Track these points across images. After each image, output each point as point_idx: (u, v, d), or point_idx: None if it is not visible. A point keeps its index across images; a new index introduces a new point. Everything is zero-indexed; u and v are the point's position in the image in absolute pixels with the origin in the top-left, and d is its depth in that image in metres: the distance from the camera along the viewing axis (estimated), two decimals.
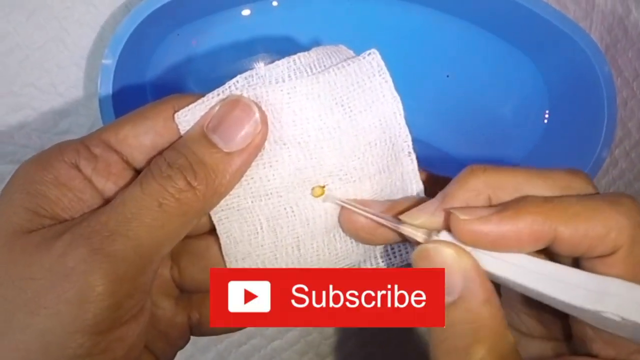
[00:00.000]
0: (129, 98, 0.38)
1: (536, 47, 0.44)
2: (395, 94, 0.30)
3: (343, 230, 0.31)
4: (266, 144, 0.29)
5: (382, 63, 0.30)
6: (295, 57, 0.30)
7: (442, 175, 0.33)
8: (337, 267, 0.32)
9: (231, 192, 0.29)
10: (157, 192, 0.26)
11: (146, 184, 0.26)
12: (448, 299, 0.26)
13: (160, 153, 0.28)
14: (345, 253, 0.32)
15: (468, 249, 0.27)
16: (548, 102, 0.46)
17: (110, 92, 0.36)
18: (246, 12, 0.41)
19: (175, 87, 0.41)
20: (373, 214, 0.29)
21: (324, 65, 0.30)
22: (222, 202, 0.30)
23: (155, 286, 0.31)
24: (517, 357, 0.26)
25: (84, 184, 0.27)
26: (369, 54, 0.30)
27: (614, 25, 0.47)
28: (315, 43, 0.42)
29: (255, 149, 0.28)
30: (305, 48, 0.42)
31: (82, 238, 0.25)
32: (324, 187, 0.30)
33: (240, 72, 0.41)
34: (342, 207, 0.31)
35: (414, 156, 0.31)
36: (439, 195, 0.29)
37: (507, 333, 0.26)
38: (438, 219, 0.28)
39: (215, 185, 0.27)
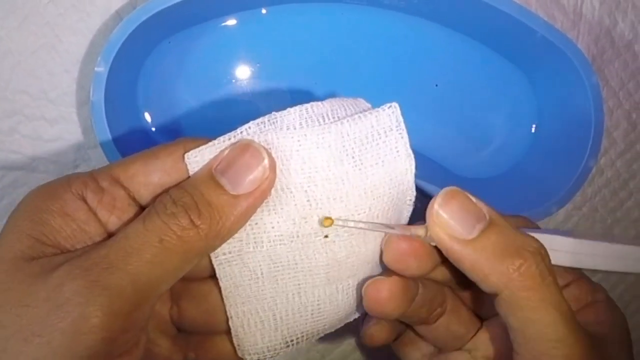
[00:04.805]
0: (121, 105, 0.39)
1: (524, 57, 0.44)
2: (410, 151, 0.30)
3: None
4: (273, 190, 0.29)
5: (400, 118, 0.30)
6: (307, 105, 0.30)
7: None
8: (337, 316, 0.32)
9: (234, 236, 0.29)
10: (159, 229, 0.26)
11: (149, 219, 0.26)
12: (482, 224, 0.29)
13: (166, 191, 0.28)
14: (346, 304, 0.32)
15: None
16: (536, 111, 0.46)
17: (103, 99, 0.36)
18: (236, 19, 0.41)
19: (167, 94, 0.41)
20: (383, 227, 0.31)
21: (337, 116, 0.30)
22: (224, 245, 0.30)
23: (154, 324, 0.31)
24: None
25: (88, 216, 0.28)
26: (389, 106, 0.30)
27: (600, 36, 0.48)
28: (305, 51, 0.43)
29: (262, 194, 0.28)
30: (294, 56, 0.42)
31: (81, 269, 0.25)
32: (331, 219, 0.30)
33: (232, 79, 0.42)
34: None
35: (410, 209, 0.32)
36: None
37: None
38: None
39: (219, 226, 0.27)
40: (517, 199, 0.42)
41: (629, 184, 0.52)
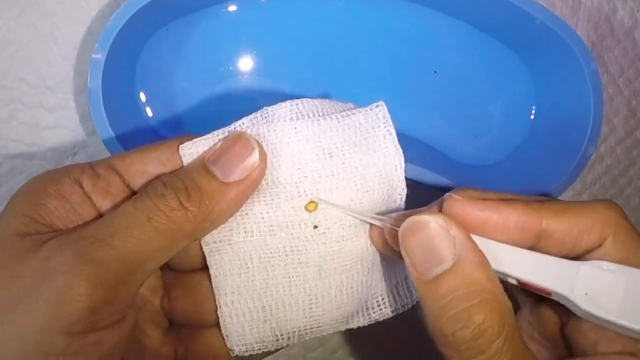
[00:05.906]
0: (118, 92, 0.38)
1: (524, 44, 0.44)
2: (398, 146, 0.31)
3: (373, 242, 0.31)
4: (263, 182, 0.30)
5: (388, 115, 0.31)
6: (298, 101, 0.31)
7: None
8: (331, 315, 0.32)
9: (224, 225, 0.30)
10: (148, 208, 0.27)
11: (139, 200, 0.27)
12: (440, 267, 0.26)
13: (159, 177, 0.29)
14: (339, 302, 0.32)
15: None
16: (535, 98, 0.46)
17: (100, 86, 0.36)
18: (235, 7, 0.41)
19: (165, 81, 0.41)
20: (367, 216, 0.30)
21: (327, 112, 0.31)
22: (215, 233, 0.30)
23: (145, 314, 0.32)
24: (513, 320, 0.26)
25: (82, 199, 0.29)
26: (376, 105, 0.31)
27: (600, 22, 0.48)
28: (304, 38, 0.43)
29: (251, 183, 0.29)
30: (293, 44, 0.42)
31: (70, 243, 0.26)
32: (315, 203, 0.30)
33: (230, 66, 0.41)
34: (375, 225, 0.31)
35: (402, 205, 0.32)
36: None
37: (504, 295, 0.26)
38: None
39: (208, 210, 0.28)
40: (516, 185, 0.41)
41: (628, 170, 0.52)
